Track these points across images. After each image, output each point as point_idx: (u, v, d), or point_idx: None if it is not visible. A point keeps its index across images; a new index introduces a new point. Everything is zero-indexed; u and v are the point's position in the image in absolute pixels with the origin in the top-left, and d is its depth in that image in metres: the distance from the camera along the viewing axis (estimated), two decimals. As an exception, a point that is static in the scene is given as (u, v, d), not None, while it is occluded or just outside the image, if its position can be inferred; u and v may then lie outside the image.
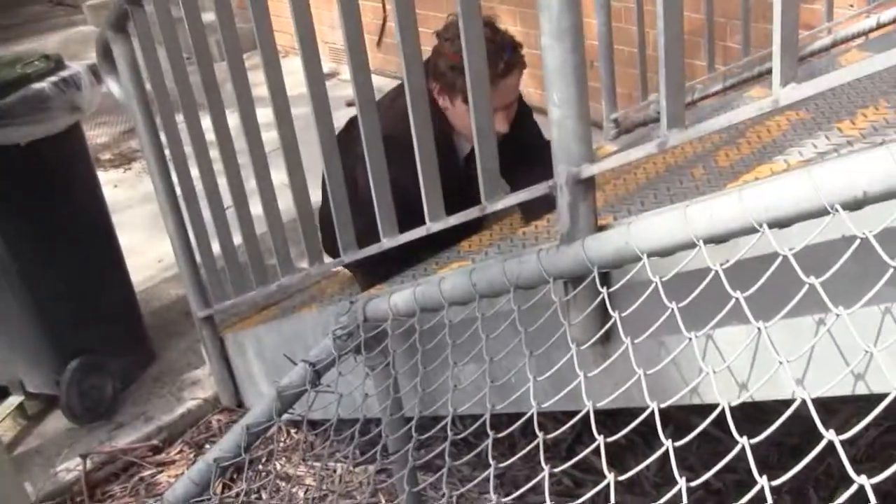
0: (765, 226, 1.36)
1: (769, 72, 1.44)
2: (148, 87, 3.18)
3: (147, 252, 4.77)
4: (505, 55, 2.97)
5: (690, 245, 1.48)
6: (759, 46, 3.66)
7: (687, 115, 1.65)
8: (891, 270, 1.20)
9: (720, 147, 2.52)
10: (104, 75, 3.41)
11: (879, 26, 3.49)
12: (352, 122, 3.17)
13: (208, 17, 2.59)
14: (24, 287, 3.51)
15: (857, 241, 1.25)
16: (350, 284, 3.52)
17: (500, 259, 1.95)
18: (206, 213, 3.22)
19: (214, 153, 2.96)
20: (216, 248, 3.28)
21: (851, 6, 4.08)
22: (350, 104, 5.39)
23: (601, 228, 1.77)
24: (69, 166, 3.60)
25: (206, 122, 2.91)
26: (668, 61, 1.58)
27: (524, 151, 3.06)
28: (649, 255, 1.57)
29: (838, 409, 2.73)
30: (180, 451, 3.64)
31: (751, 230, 1.38)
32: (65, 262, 3.60)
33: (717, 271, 1.44)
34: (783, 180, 1.34)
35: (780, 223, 1.35)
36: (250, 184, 2.86)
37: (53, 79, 3.36)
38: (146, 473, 3.53)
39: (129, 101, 3.28)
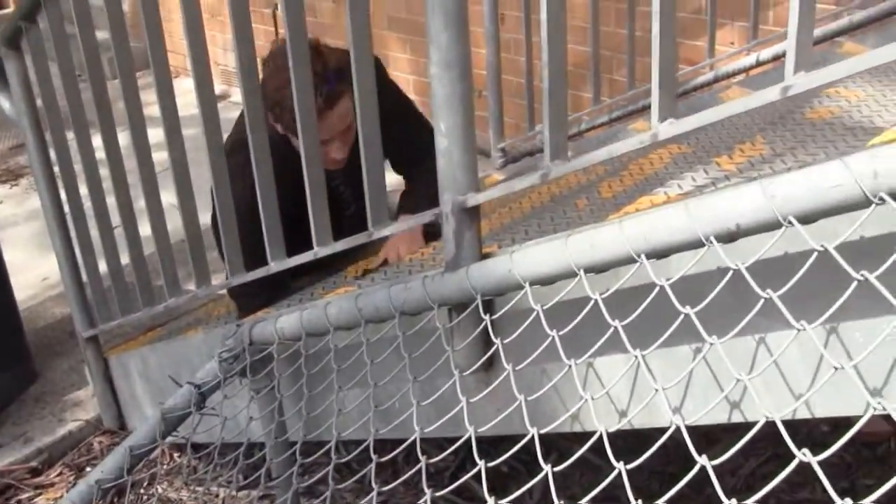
0: (643, 256, 1.39)
1: (652, 106, 1.48)
2: (39, 103, 3.14)
3: (32, 270, 4.69)
4: (325, 88, 2.72)
5: (571, 274, 1.51)
6: (645, 80, 3.73)
7: (571, 146, 1.68)
8: (762, 301, 1.25)
9: (604, 178, 2.57)
10: (-7, 90, 3.35)
11: (759, 64, 3.61)
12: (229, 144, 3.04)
13: (102, 34, 2.56)
14: None
15: (731, 273, 1.29)
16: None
17: (386, 285, 1.96)
18: (94, 232, 3.18)
19: (104, 171, 2.92)
20: (103, 267, 3.24)
21: (732, 44, 4.20)
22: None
23: (485, 256, 1.79)
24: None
25: (97, 141, 2.87)
26: (551, 93, 1.61)
27: (412, 150, 2.93)
28: (531, 284, 1.60)
29: (720, 439, 2.79)
30: (60, 474, 3.55)
31: (630, 260, 1.42)
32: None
33: (596, 300, 1.47)
34: (661, 212, 1.38)
35: (659, 254, 1.39)
36: (139, 203, 2.83)
37: (-60, 91, 3.29)
38: (24, 497, 3.44)
39: (20, 117, 3.23)
